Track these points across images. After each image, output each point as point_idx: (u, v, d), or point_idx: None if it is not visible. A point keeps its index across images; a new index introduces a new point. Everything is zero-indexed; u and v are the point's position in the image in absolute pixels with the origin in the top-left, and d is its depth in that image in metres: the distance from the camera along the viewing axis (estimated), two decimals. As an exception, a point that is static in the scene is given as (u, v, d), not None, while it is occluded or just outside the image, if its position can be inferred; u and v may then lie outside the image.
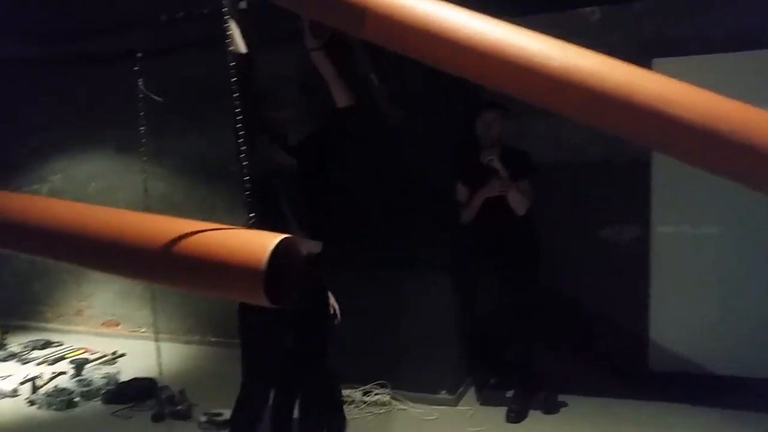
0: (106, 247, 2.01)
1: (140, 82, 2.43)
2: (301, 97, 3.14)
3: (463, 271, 3.60)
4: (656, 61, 3.13)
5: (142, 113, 2.36)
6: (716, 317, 3.46)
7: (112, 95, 4.99)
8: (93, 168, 5.27)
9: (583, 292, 3.72)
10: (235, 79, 2.48)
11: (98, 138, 5.14)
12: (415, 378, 3.50)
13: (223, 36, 2.03)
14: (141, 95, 2.39)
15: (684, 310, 3.51)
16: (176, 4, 2.74)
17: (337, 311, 3.05)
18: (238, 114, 2.46)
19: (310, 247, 2.57)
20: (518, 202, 3.22)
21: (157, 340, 2.57)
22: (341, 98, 2.67)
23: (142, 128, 2.33)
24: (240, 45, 2.50)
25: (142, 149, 2.33)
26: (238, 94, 2.47)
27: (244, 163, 1.91)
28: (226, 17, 2.48)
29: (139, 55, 2.43)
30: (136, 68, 2.41)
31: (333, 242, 2.89)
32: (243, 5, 2.64)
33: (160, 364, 2.52)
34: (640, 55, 3.00)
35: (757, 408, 3.17)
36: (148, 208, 2.52)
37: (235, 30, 2.50)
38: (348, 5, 2.27)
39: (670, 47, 3.29)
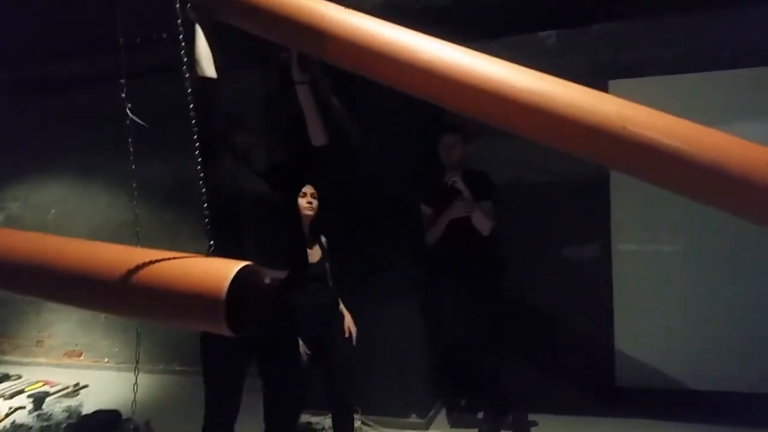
0: (64, 279, 1.97)
1: (128, 107, 2.40)
2: (268, 121, 3.12)
3: (429, 292, 3.61)
4: (612, 83, 3.22)
5: (130, 140, 2.33)
6: (680, 332, 3.52)
7: (71, 121, 4.93)
8: (53, 194, 5.16)
9: (549, 310, 3.75)
10: (201, 103, 2.48)
11: (58, 164, 5.04)
12: (385, 402, 3.47)
13: (183, 60, 2.02)
14: (129, 122, 2.36)
15: (648, 325, 3.57)
16: (134, 28, 2.72)
17: (353, 333, 3.14)
18: (201, 138, 2.45)
19: (273, 274, 2.55)
20: (482, 223, 3.25)
21: (136, 372, 2.51)
22: (318, 136, 2.67)
23: (131, 156, 2.29)
24: (208, 69, 2.49)
25: (133, 172, 2.28)
26: (202, 119, 2.47)
27: (203, 190, 1.88)
28: (194, 39, 2.49)
29: (122, 81, 2.40)
30: (123, 95, 2.39)
31: (300, 267, 2.88)
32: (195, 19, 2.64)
33: (134, 400, 2.49)
34: (596, 78, 3.09)
35: (723, 422, 3.21)
36: (138, 236, 2.51)
37: (203, 53, 2.50)
38: (309, 28, 2.31)
39: (625, 70, 3.39)
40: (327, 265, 3.17)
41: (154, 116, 3.35)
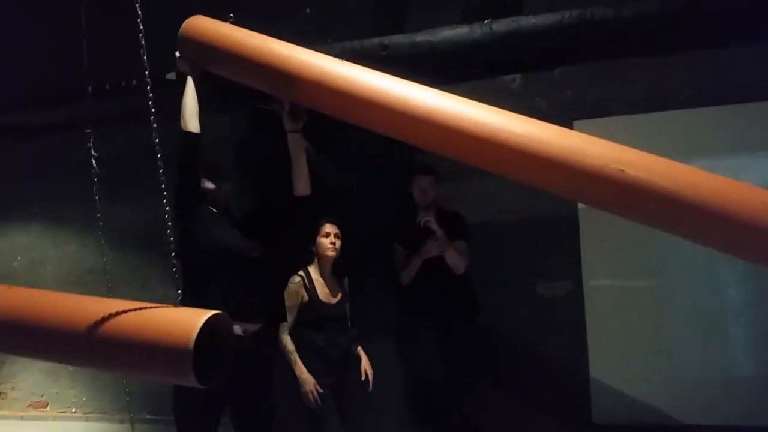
0: (29, 333, 1.92)
1: (93, 154, 2.40)
2: (246, 168, 3.13)
3: (404, 331, 3.59)
4: (576, 123, 3.31)
5: (95, 188, 2.32)
6: (653, 367, 3.54)
7: (37, 167, 4.87)
8: (19, 241, 5.05)
9: (524, 347, 3.75)
10: (182, 157, 2.50)
11: (24, 211, 4.96)
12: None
13: (149, 106, 2.02)
14: (94, 169, 2.35)
15: (622, 361, 3.58)
16: (101, 75, 2.73)
17: (370, 378, 3.15)
18: (178, 189, 2.45)
19: (245, 326, 2.52)
20: (456, 262, 3.27)
21: (131, 424, 2.45)
22: (302, 186, 2.69)
23: (96, 204, 2.28)
24: (192, 124, 2.53)
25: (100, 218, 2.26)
26: (182, 172, 2.47)
27: (171, 238, 1.87)
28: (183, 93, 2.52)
29: (88, 131, 2.41)
30: (90, 145, 2.39)
31: (275, 313, 2.85)
32: (172, 76, 2.67)
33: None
34: (561, 118, 3.17)
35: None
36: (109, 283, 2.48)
37: (190, 109, 2.53)
38: (279, 72, 2.36)
39: (588, 110, 3.49)
40: (347, 306, 3.18)
41: (126, 161, 3.36)
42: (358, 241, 3.45)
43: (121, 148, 4.00)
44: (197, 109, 2.55)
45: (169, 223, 1.82)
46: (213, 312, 1.61)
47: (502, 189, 3.36)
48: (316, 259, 3.18)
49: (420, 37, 2.87)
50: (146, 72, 1.88)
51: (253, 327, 2.54)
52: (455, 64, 2.88)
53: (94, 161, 2.24)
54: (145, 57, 1.91)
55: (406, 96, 2.17)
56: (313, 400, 2.92)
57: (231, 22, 2.59)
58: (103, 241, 2.33)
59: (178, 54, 2.58)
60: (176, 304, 1.73)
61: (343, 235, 3.18)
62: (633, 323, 3.58)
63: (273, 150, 2.79)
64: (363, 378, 3.14)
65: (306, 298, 3.06)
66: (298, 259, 3.16)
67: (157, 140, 1.85)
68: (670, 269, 3.52)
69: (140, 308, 1.66)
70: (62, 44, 2.96)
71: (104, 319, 1.64)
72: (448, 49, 2.83)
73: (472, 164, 2.19)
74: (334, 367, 3.03)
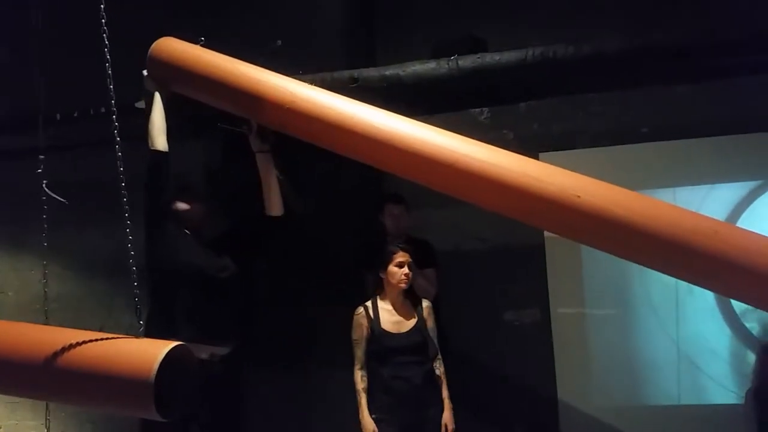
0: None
1: (44, 183, 2.39)
2: (214, 190, 3.13)
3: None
4: (542, 155, 3.40)
5: (45, 216, 2.31)
6: (620, 393, 3.60)
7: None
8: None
9: (493, 373, 3.78)
10: (150, 176, 2.49)
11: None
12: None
13: (115, 132, 2.02)
14: (45, 197, 2.34)
15: (589, 386, 3.63)
16: (69, 101, 2.73)
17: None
18: (148, 210, 2.44)
19: (212, 350, 2.50)
20: (425, 290, 3.29)
21: None
22: (274, 206, 2.71)
23: (44, 233, 2.26)
24: (160, 143, 2.53)
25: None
26: (150, 192, 2.47)
27: (134, 267, 1.85)
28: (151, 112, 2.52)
29: (42, 157, 2.41)
30: (39, 170, 2.38)
31: (244, 336, 2.83)
32: (141, 105, 2.68)
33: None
34: (528, 150, 3.24)
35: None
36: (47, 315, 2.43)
37: (157, 127, 2.54)
38: (247, 93, 2.39)
39: (553, 142, 3.59)
40: (423, 336, 2.90)
41: (93, 188, 3.34)
42: (325, 269, 3.46)
43: (89, 175, 3.97)
44: (165, 126, 2.55)
45: (132, 253, 1.81)
46: (175, 343, 1.61)
47: (470, 217, 3.42)
48: (385, 288, 2.97)
49: (389, 71, 2.94)
50: (112, 101, 1.89)
51: (220, 350, 2.52)
52: (424, 97, 2.95)
53: (45, 187, 2.23)
54: (111, 86, 1.92)
55: (372, 120, 2.22)
56: None
57: (201, 46, 2.62)
58: (45, 271, 2.30)
59: (145, 73, 2.60)
60: (139, 335, 1.71)
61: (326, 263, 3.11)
62: (600, 350, 3.65)
63: (243, 171, 2.80)
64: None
65: (369, 330, 2.89)
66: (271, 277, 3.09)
67: (121, 168, 1.86)
68: (636, 296, 3.60)
69: (101, 338, 1.65)
70: (27, 70, 2.96)
71: (64, 350, 1.62)
72: (417, 83, 2.91)
73: (434, 188, 2.24)
74: (403, 405, 2.78)
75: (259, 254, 2.95)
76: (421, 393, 2.81)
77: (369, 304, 2.99)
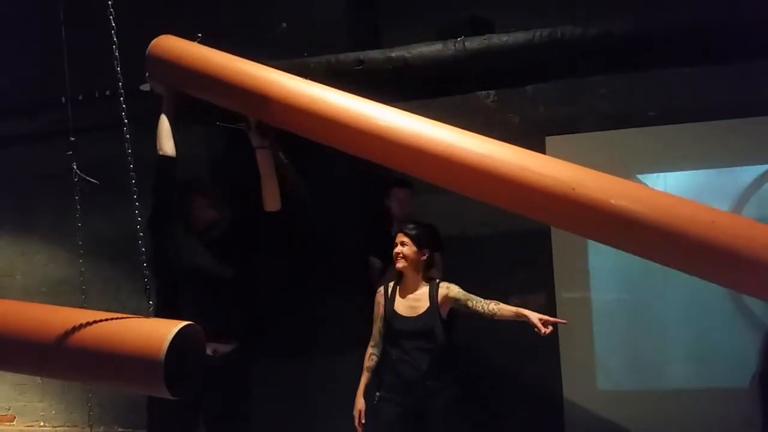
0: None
1: (74, 165, 2.40)
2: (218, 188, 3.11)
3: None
4: (548, 139, 3.38)
5: (77, 197, 2.31)
6: (626, 379, 3.61)
7: (6, 178, 4.79)
8: (-12, 252, 4.95)
9: (497, 359, 3.79)
10: (157, 180, 2.50)
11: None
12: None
13: (123, 115, 2.02)
14: (76, 178, 2.35)
15: (594, 373, 3.64)
16: (75, 85, 2.73)
17: None
18: (153, 210, 2.45)
19: (216, 346, 2.52)
20: (431, 274, 3.29)
21: None
22: (271, 202, 2.70)
23: (77, 214, 2.27)
24: (167, 148, 2.53)
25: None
26: (157, 194, 2.48)
27: (143, 249, 1.86)
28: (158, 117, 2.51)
29: (72, 138, 2.41)
30: (69, 152, 2.38)
31: (248, 333, 2.84)
32: (146, 87, 2.68)
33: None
34: (534, 134, 3.23)
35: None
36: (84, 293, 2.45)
37: (164, 132, 2.54)
38: (245, 90, 2.39)
39: (560, 126, 3.56)
40: (432, 323, 2.82)
41: (99, 171, 3.33)
42: (332, 254, 3.46)
43: (95, 158, 3.97)
44: (170, 132, 2.56)
45: (141, 234, 1.82)
46: (185, 323, 1.62)
47: (476, 202, 3.39)
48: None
49: (394, 53, 2.91)
50: (120, 83, 1.88)
51: (224, 347, 2.54)
52: (429, 79, 2.93)
53: (75, 167, 2.23)
54: (119, 68, 1.91)
55: (368, 114, 2.22)
56: (357, 424, 2.78)
57: (198, 42, 2.61)
58: (81, 251, 2.31)
59: (147, 74, 2.60)
60: (149, 315, 1.72)
61: (333, 245, 3.08)
62: (605, 335, 3.65)
63: (242, 167, 2.79)
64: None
65: (383, 309, 2.91)
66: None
67: (129, 151, 1.86)
68: (641, 281, 3.59)
69: (112, 318, 1.66)
70: (35, 54, 2.95)
71: (76, 329, 1.64)
72: (422, 65, 2.88)
73: (430, 181, 2.24)
74: (407, 388, 2.76)
75: (262, 250, 2.94)
76: (427, 379, 2.77)
77: (390, 285, 2.98)
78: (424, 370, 2.76)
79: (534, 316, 2.64)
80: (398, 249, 2.84)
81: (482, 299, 2.83)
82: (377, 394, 2.84)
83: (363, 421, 2.78)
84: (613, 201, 1.91)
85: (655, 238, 1.87)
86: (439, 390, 2.78)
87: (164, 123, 2.57)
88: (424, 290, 2.89)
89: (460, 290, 2.87)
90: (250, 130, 2.64)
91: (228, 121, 2.70)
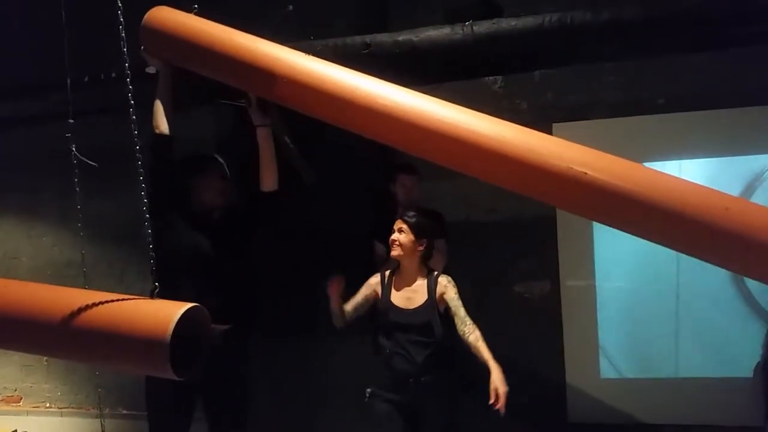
0: (5, 322, 1.91)
1: (73, 147, 2.38)
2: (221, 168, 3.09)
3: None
4: (556, 125, 3.36)
5: (76, 179, 2.30)
6: (630, 366, 3.61)
7: (11, 160, 4.80)
8: (-6, 235, 4.97)
9: (502, 346, 3.78)
10: (152, 157, 2.47)
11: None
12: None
13: (130, 99, 2.01)
14: (75, 161, 2.34)
15: (596, 360, 3.64)
16: (80, 67, 2.71)
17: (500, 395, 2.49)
18: (151, 192, 2.44)
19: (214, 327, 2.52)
20: (436, 260, 3.28)
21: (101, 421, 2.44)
22: (269, 182, 2.68)
23: (77, 196, 2.26)
24: (162, 125, 2.50)
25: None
26: (153, 173, 2.46)
27: (149, 231, 1.86)
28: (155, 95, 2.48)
29: (71, 121, 2.40)
30: (68, 134, 2.37)
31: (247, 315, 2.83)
32: (151, 70, 2.66)
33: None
34: (541, 121, 3.21)
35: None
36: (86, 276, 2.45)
37: (160, 110, 2.51)
38: (261, 70, 2.35)
39: (568, 112, 3.54)
40: (429, 316, 2.70)
41: (103, 154, 3.31)
42: (336, 239, 3.46)
43: (99, 141, 3.97)
44: (167, 109, 2.52)
45: (147, 216, 1.82)
46: (191, 305, 1.62)
47: (481, 189, 3.38)
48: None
49: (402, 37, 2.88)
50: (126, 64, 1.87)
51: (221, 327, 2.54)
52: (436, 63, 2.90)
53: (74, 151, 2.22)
54: (125, 49, 1.90)
55: (373, 92, 2.18)
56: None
57: (195, 14, 2.56)
58: (81, 234, 2.30)
59: (142, 48, 2.56)
60: (154, 297, 1.73)
61: (333, 232, 3.04)
62: (609, 322, 3.65)
63: (241, 146, 2.76)
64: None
65: (378, 295, 2.80)
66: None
67: (136, 132, 1.85)
68: (647, 269, 3.59)
69: (118, 299, 1.66)
70: (38, 35, 2.93)
71: (82, 310, 1.64)
72: (430, 49, 2.85)
73: (438, 163, 2.21)
74: (401, 383, 2.67)
75: (265, 234, 2.91)
76: (422, 375, 2.67)
77: (388, 273, 2.87)
78: (419, 364, 2.66)
79: (493, 381, 2.49)
80: (395, 236, 2.73)
81: (469, 322, 2.66)
82: (368, 390, 2.76)
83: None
84: (624, 184, 1.89)
85: (667, 222, 1.86)
86: (434, 386, 2.70)
87: (160, 101, 2.53)
88: (422, 282, 2.77)
89: (455, 297, 2.74)
90: (251, 107, 2.60)
91: (228, 98, 2.67)
